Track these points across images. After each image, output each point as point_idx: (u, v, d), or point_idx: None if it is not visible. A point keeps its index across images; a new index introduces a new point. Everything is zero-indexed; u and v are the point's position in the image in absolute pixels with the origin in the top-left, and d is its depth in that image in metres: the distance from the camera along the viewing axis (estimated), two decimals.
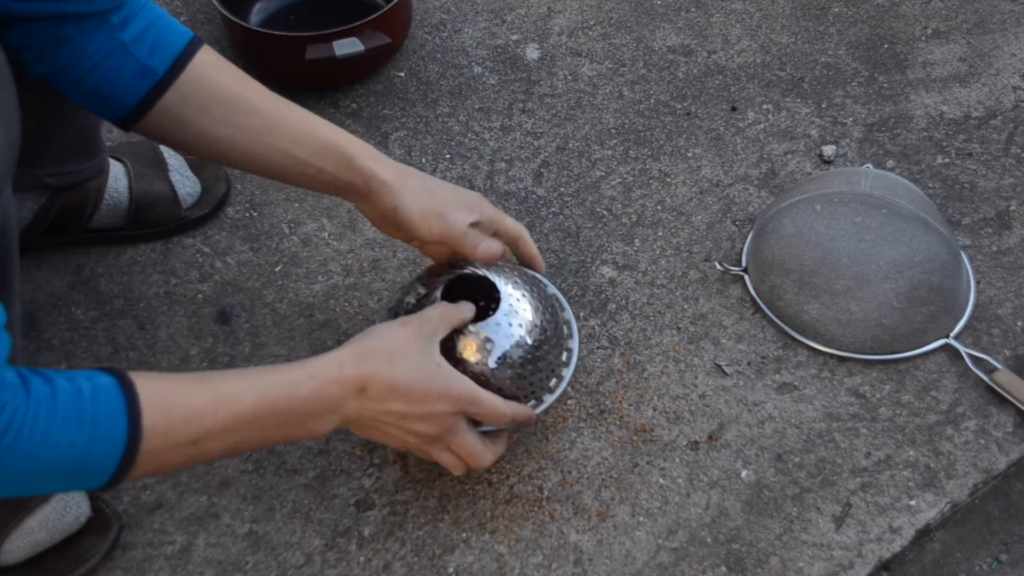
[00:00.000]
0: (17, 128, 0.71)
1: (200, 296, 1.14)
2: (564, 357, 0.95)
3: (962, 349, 1.07)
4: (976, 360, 1.07)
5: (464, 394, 0.84)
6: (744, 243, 1.18)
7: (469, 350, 0.88)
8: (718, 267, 1.16)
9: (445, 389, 0.83)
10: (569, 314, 0.99)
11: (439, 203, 0.93)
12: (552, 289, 1.01)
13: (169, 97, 0.87)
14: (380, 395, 0.80)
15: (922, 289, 1.06)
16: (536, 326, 0.91)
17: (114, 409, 0.69)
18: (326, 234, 1.21)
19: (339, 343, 1.09)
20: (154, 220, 1.17)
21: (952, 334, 1.08)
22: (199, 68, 0.88)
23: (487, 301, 0.94)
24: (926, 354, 1.08)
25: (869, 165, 1.21)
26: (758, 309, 1.12)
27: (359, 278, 1.17)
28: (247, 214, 1.23)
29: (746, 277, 1.14)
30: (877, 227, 1.07)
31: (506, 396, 0.88)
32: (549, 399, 0.93)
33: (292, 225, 1.22)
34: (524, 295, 0.92)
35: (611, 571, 0.94)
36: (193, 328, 1.11)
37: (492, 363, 0.88)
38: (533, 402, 0.92)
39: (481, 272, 0.93)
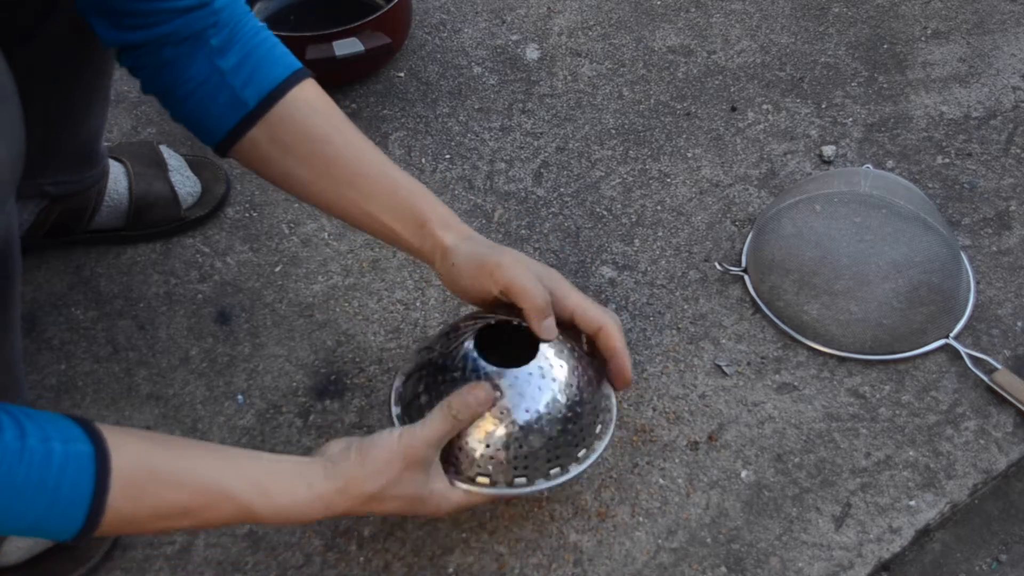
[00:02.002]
0: (21, 141, 0.71)
1: (200, 296, 1.14)
2: (598, 429, 0.88)
3: (962, 349, 1.07)
4: (976, 360, 1.07)
5: (453, 511, 0.84)
6: (744, 243, 1.18)
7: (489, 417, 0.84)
8: (718, 267, 1.16)
9: (434, 513, 0.83)
10: (612, 402, 0.91)
11: (502, 259, 0.87)
12: (608, 390, 0.92)
13: (257, 131, 0.87)
14: (373, 507, 0.80)
15: (922, 289, 1.06)
16: (569, 386, 0.85)
17: (80, 484, 0.67)
18: (326, 234, 1.21)
19: (338, 343, 1.10)
20: (154, 220, 1.17)
21: (952, 334, 1.08)
22: (289, 106, 0.87)
23: (520, 351, 0.87)
24: (926, 354, 1.08)
25: (869, 166, 1.21)
26: (758, 309, 1.12)
27: (359, 278, 1.17)
28: (247, 214, 1.23)
29: (746, 277, 1.14)
30: (877, 227, 1.07)
31: (526, 455, 0.84)
32: (575, 470, 0.86)
33: (292, 225, 1.22)
34: (563, 358, 0.86)
35: (611, 571, 0.94)
36: (193, 328, 1.12)
37: (516, 419, 0.83)
38: (557, 469, 0.86)
39: (514, 320, 0.87)
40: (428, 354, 0.89)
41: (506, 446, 0.83)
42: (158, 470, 0.71)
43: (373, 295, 1.15)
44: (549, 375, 0.84)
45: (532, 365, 0.84)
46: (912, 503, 0.98)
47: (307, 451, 1.02)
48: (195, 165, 1.22)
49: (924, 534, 0.98)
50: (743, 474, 1.00)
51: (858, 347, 1.07)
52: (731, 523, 0.97)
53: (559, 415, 0.84)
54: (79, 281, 1.15)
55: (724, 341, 1.11)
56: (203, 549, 0.95)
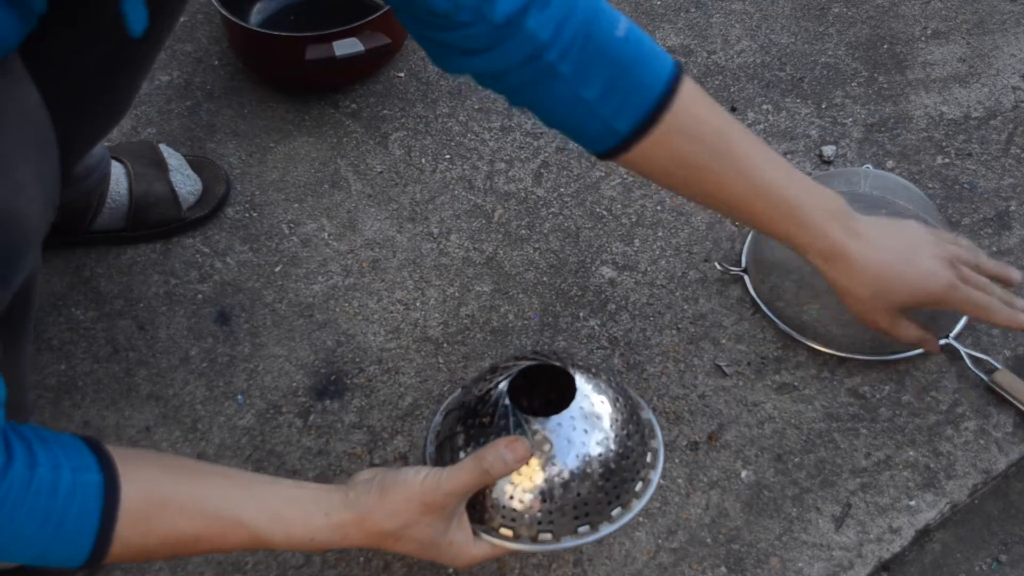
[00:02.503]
0: (58, 188, 0.70)
1: (200, 296, 1.14)
2: (637, 487, 0.84)
3: (962, 349, 1.06)
4: (976, 360, 1.07)
5: (472, 563, 0.81)
6: (744, 243, 1.18)
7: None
8: (718, 267, 1.16)
9: (451, 563, 0.80)
10: (659, 443, 0.87)
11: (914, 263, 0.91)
12: (648, 414, 0.89)
13: (634, 156, 0.86)
14: (393, 545, 0.78)
15: None
16: (607, 439, 0.81)
17: (88, 515, 0.66)
18: (326, 234, 1.21)
19: (338, 343, 1.10)
20: (154, 221, 1.17)
21: (952, 334, 1.08)
22: (667, 130, 0.84)
23: (561, 394, 0.84)
24: (925, 354, 1.08)
25: (869, 166, 1.21)
26: (758, 309, 1.12)
27: (359, 278, 1.17)
28: (247, 214, 1.23)
29: (746, 277, 1.14)
30: None
31: (553, 510, 0.80)
32: (604, 530, 0.82)
33: (292, 225, 1.22)
34: (604, 407, 0.82)
35: (611, 571, 0.94)
36: (193, 328, 1.12)
37: (550, 469, 0.79)
38: (587, 527, 0.82)
39: (555, 362, 0.84)
40: (465, 394, 0.87)
41: (535, 499, 0.80)
42: (170, 499, 0.70)
43: (373, 295, 1.15)
44: (583, 426, 0.80)
45: (566, 415, 0.80)
46: (912, 503, 0.98)
47: (307, 451, 1.02)
48: (195, 164, 1.22)
49: (924, 534, 0.98)
50: (743, 474, 1.00)
51: (858, 347, 1.07)
52: (731, 523, 0.97)
53: (593, 470, 0.80)
54: (79, 281, 1.15)
55: (724, 341, 1.11)
56: None
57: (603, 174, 1.27)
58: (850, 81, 1.38)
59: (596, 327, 1.12)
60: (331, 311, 1.13)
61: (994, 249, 1.18)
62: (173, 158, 1.20)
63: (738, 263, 1.17)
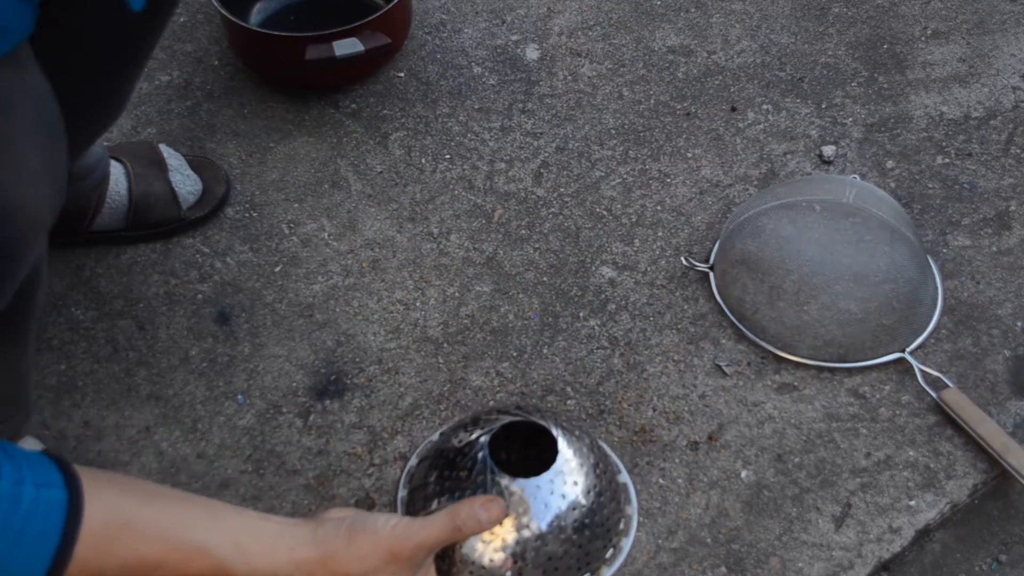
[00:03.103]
0: (64, 181, 0.69)
1: (200, 296, 1.14)
2: (609, 554, 0.86)
3: (916, 365, 1.05)
4: (928, 377, 1.05)
5: None
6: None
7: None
8: (684, 262, 1.16)
9: None
10: (634, 509, 0.91)
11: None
12: (625, 478, 0.92)
13: None
14: None
15: (882, 301, 1.05)
16: (586, 504, 0.82)
17: (47, 532, 0.63)
18: (326, 234, 1.21)
19: (338, 343, 1.10)
20: (154, 221, 1.17)
21: (909, 348, 1.07)
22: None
23: (541, 451, 0.85)
24: (880, 366, 1.07)
25: (856, 176, 1.21)
26: (722, 310, 1.12)
27: (359, 278, 1.17)
28: (247, 214, 1.23)
29: (711, 275, 1.14)
30: (843, 235, 1.06)
31: (531, 570, 0.80)
32: (606, 574, 0.84)
33: (292, 225, 1.22)
34: (583, 463, 0.83)
35: (611, 571, 0.94)
36: (193, 328, 1.11)
37: (523, 532, 0.80)
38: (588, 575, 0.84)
39: (538, 420, 0.85)
40: (443, 442, 0.86)
41: (506, 559, 0.80)
42: (133, 522, 0.69)
43: (373, 295, 1.15)
44: (560, 491, 0.80)
45: (545, 477, 0.80)
46: (912, 503, 0.98)
47: (307, 451, 1.02)
48: (195, 164, 1.22)
49: (924, 534, 0.98)
50: (743, 474, 1.00)
51: (812, 353, 1.07)
52: (731, 523, 0.97)
53: (567, 535, 0.80)
54: (79, 281, 1.15)
55: (724, 341, 1.11)
56: None
57: (603, 174, 1.27)
58: (850, 81, 1.38)
59: (596, 327, 1.12)
60: (331, 311, 1.13)
61: (994, 249, 1.18)
62: (173, 158, 1.20)
63: (707, 260, 1.16)
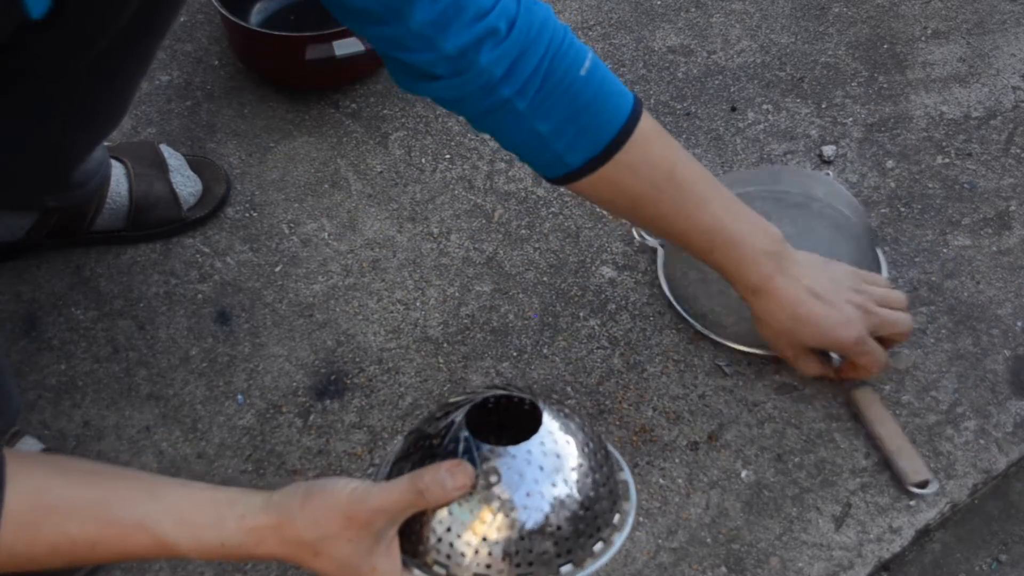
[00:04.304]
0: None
1: (200, 296, 1.14)
2: (597, 547, 0.76)
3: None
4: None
5: None
6: None
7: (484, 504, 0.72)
8: (635, 235, 1.16)
9: None
10: (632, 507, 0.81)
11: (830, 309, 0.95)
12: (627, 476, 0.83)
13: (583, 186, 0.90)
14: (304, 567, 0.71)
15: None
16: (570, 483, 0.74)
17: None
18: (326, 234, 1.21)
19: (338, 343, 1.10)
20: (155, 221, 1.17)
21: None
22: (615, 168, 0.88)
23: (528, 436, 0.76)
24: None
25: (829, 172, 1.22)
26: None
27: (359, 278, 1.17)
28: (247, 214, 1.23)
29: (660, 251, 1.14)
30: (790, 227, 1.04)
31: (502, 552, 0.72)
32: (590, 567, 0.75)
33: (292, 225, 1.22)
34: (570, 440, 0.76)
35: (611, 571, 0.94)
36: (193, 328, 1.12)
37: (494, 504, 0.72)
38: (569, 567, 0.74)
39: (522, 394, 0.80)
40: (428, 417, 0.80)
41: (473, 537, 0.72)
42: (59, 502, 0.65)
43: (373, 295, 1.15)
44: (539, 463, 0.73)
45: (523, 447, 0.73)
46: (912, 503, 0.98)
47: (307, 451, 1.02)
48: (195, 164, 1.22)
49: (924, 534, 0.98)
50: (743, 474, 1.00)
51: (744, 340, 1.07)
52: (731, 523, 0.97)
53: (545, 516, 0.72)
54: (79, 281, 1.15)
55: (724, 342, 1.10)
56: None
57: None
58: (850, 81, 1.38)
59: (596, 327, 1.12)
60: (331, 311, 1.13)
61: (994, 249, 1.18)
62: (173, 158, 1.20)
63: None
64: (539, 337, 1.11)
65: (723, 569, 0.94)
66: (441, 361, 1.09)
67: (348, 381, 1.07)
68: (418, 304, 1.14)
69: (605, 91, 0.87)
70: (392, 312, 1.13)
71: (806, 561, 0.94)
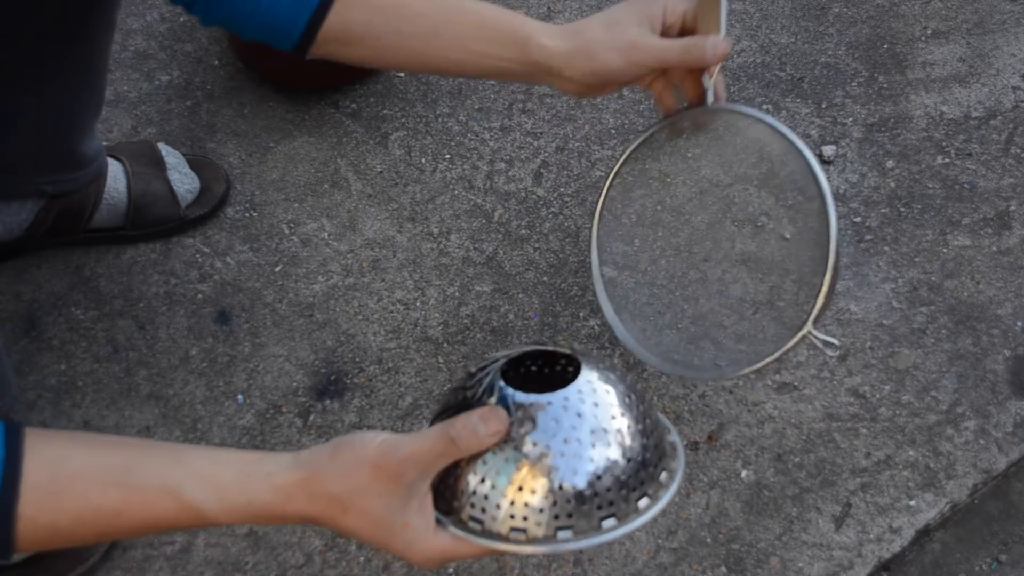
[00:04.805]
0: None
1: (200, 296, 1.14)
2: (642, 503, 0.70)
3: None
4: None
5: (429, 558, 0.68)
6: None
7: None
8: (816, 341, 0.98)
9: (404, 553, 0.67)
10: (676, 437, 0.77)
11: (621, 31, 0.84)
12: (675, 438, 0.77)
13: (331, 22, 0.85)
14: (334, 527, 0.68)
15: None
16: (609, 434, 0.69)
17: None
18: (326, 234, 1.21)
19: (339, 343, 1.10)
20: (153, 219, 1.17)
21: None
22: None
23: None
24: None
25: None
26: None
27: (359, 278, 1.17)
28: (247, 214, 1.23)
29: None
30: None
31: (539, 504, 0.68)
32: (588, 540, 0.68)
33: (292, 225, 1.22)
34: (611, 390, 0.71)
35: (611, 571, 0.94)
36: (193, 328, 1.12)
37: (532, 452, 0.68)
38: (568, 533, 0.68)
39: (560, 349, 0.76)
40: (452, 393, 0.76)
41: (508, 488, 0.68)
42: (82, 471, 0.63)
43: (373, 295, 1.15)
44: (576, 409, 0.69)
45: (559, 394, 0.69)
46: (912, 503, 0.98)
47: None
48: (195, 164, 1.22)
49: (924, 534, 0.98)
50: (743, 474, 1.00)
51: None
52: (731, 523, 0.97)
53: (583, 466, 0.68)
54: (79, 281, 1.15)
55: (724, 341, 1.11)
56: (203, 549, 0.95)
57: (603, 174, 1.27)
58: (850, 81, 1.38)
59: (596, 327, 1.12)
60: (331, 311, 1.13)
61: (994, 249, 1.18)
62: (171, 156, 1.20)
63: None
64: (539, 337, 1.11)
65: (723, 569, 0.94)
66: (441, 361, 1.09)
67: (348, 381, 1.07)
68: (418, 304, 1.14)
69: None
70: (392, 312, 1.13)
71: (806, 561, 0.94)
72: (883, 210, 1.22)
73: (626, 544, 0.95)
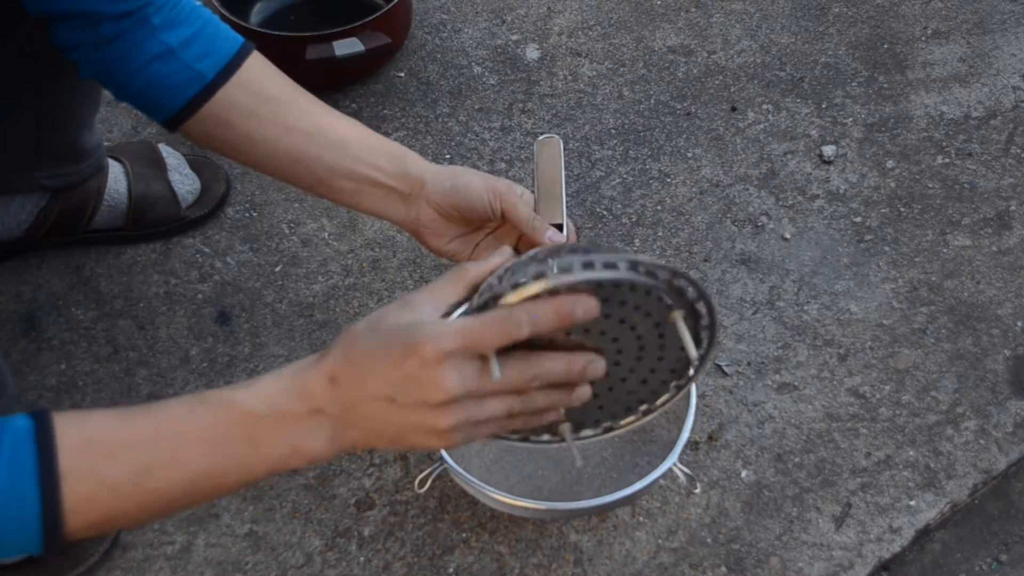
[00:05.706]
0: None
1: (200, 296, 1.14)
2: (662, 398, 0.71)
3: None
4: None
5: (439, 337, 0.59)
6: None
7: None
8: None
9: (411, 339, 0.60)
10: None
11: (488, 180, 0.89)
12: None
13: (217, 101, 0.88)
14: (351, 378, 0.63)
15: None
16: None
17: (20, 452, 0.58)
18: (326, 234, 1.21)
19: None
20: (154, 220, 1.17)
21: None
22: (249, 73, 0.89)
23: None
24: None
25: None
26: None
27: (359, 278, 1.17)
28: (247, 214, 1.23)
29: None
30: None
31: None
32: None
33: (292, 225, 1.22)
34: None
35: (611, 571, 0.94)
36: (193, 328, 1.12)
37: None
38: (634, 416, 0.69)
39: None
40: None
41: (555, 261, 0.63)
42: (110, 418, 0.62)
43: (373, 295, 1.15)
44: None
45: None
46: (912, 503, 0.98)
47: None
48: (196, 164, 1.22)
49: (924, 534, 0.98)
50: (743, 474, 1.00)
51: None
52: (731, 523, 0.97)
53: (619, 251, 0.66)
54: (79, 281, 1.15)
55: (724, 341, 1.11)
56: (203, 549, 0.95)
57: (603, 174, 1.27)
58: (850, 81, 1.38)
59: None
60: (331, 311, 1.13)
61: (994, 249, 1.18)
62: (172, 157, 1.20)
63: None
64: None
65: (723, 569, 0.94)
66: None
67: None
68: None
69: (222, 23, 0.91)
70: None
71: (806, 561, 0.94)
72: (883, 210, 1.22)
73: (626, 544, 0.95)
